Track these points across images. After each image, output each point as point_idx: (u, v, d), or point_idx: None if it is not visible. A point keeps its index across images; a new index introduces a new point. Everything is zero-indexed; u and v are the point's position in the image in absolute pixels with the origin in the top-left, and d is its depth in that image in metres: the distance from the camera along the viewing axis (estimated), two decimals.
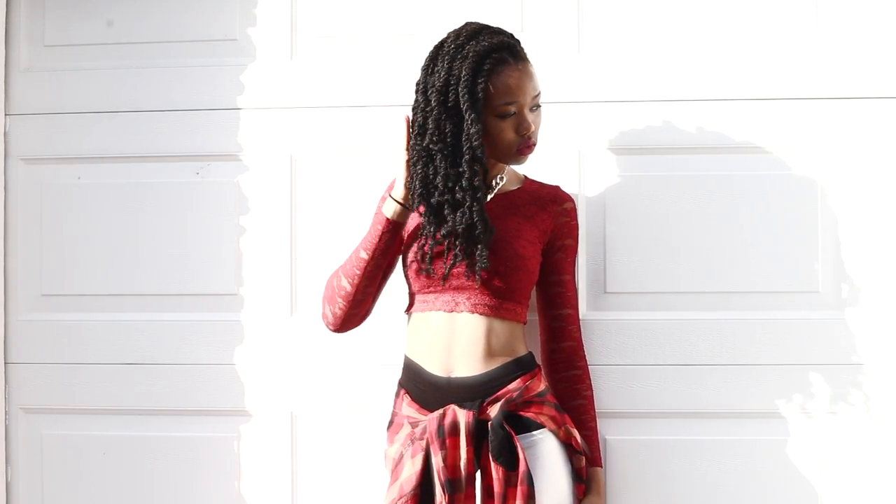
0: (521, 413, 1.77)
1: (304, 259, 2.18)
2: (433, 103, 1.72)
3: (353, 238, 2.13)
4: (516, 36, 1.81)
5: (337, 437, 2.15)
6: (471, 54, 1.72)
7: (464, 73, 1.71)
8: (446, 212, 1.73)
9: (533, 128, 1.79)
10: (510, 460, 1.72)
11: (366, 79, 2.17)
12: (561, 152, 2.11)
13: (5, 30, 2.25)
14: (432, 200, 1.73)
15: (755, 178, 2.10)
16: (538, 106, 1.81)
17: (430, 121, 1.72)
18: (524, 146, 1.79)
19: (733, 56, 2.12)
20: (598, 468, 1.88)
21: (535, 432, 1.77)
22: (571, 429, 1.82)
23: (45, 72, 2.24)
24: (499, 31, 1.78)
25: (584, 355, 1.92)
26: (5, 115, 2.24)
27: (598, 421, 2.05)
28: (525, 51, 1.80)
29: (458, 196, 1.71)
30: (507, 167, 1.89)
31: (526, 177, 1.94)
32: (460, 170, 1.71)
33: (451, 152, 1.72)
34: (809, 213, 2.09)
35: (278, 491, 2.17)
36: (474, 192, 1.72)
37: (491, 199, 1.85)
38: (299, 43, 2.20)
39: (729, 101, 2.10)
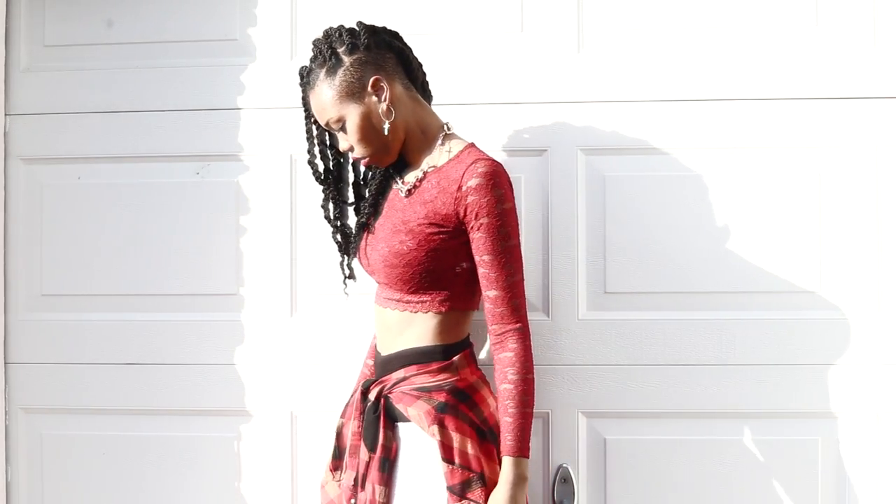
0: (394, 402, 1.78)
1: (304, 259, 2.18)
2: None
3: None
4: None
5: None
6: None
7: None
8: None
9: (341, 145, 1.81)
10: (374, 443, 1.75)
11: None
12: (560, 152, 2.11)
13: (5, 30, 2.25)
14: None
15: (755, 177, 2.10)
16: (336, 127, 1.79)
17: None
18: (356, 160, 1.85)
19: (733, 56, 2.12)
20: (508, 457, 1.71)
21: (399, 424, 1.77)
22: (445, 432, 1.72)
23: (45, 72, 2.24)
24: (309, 60, 1.83)
25: (520, 339, 1.73)
26: (5, 115, 2.24)
27: (598, 421, 2.06)
28: (319, 70, 1.79)
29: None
30: (441, 150, 1.80)
31: (459, 153, 1.78)
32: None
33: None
34: (810, 213, 2.09)
35: (278, 491, 2.17)
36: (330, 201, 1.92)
37: (412, 188, 1.80)
38: (299, 43, 2.20)
39: (729, 101, 2.10)
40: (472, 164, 1.72)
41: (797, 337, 2.07)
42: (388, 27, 1.85)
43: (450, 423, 1.72)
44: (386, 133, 1.76)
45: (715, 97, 2.10)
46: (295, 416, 2.18)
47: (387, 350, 1.83)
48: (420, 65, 1.87)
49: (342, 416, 1.92)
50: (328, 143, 1.90)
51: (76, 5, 2.24)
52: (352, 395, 1.92)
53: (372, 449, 1.75)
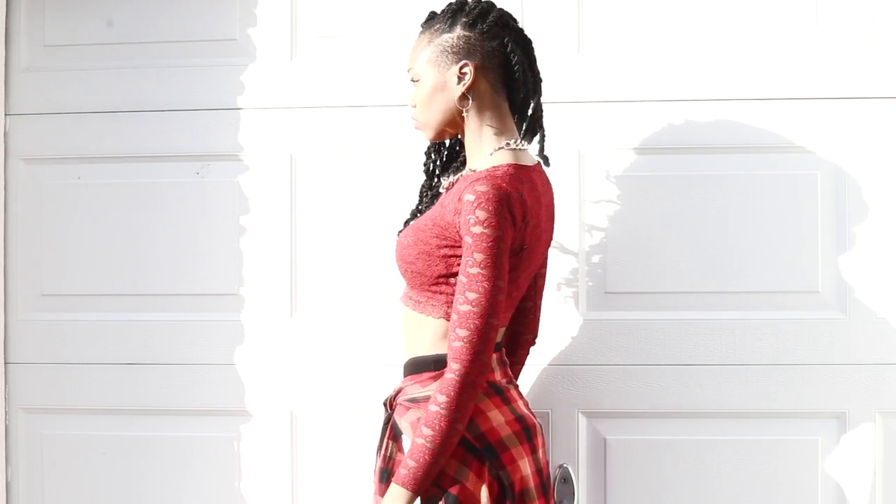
0: (395, 415, 1.73)
1: (304, 259, 2.18)
2: None
3: (352, 239, 2.15)
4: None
5: (337, 437, 2.15)
6: None
7: None
8: None
9: (410, 100, 1.77)
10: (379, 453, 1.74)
11: (366, 79, 2.17)
12: (561, 152, 2.11)
13: (5, 30, 2.25)
14: None
15: (755, 178, 2.10)
16: (414, 81, 1.76)
17: None
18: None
19: (733, 56, 2.12)
20: (395, 485, 1.59)
21: (403, 436, 1.70)
22: None
23: (45, 72, 2.24)
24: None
25: (451, 368, 1.58)
26: (5, 115, 2.24)
27: (598, 421, 2.06)
28: (436, 23, 1.74)
29: None
30: (484, 157, 1.73)
31: (489, 167, 1.69)
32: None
33: None
34: (809, 213, 2.09)
35: (278, 491, 2.17)
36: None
37: (444, 190, 1.80)
38: (299, 43, 2.20)
39: (729, 101, 2.10)
40: (478, 179, 1.62)
41: (797, 337, 2.07)
42: (524, 33, 1.76)
43: None
44: (464, 115, 1.73)
45: (715, 97, 2.10)
46: (295, 416, 2.18)
47: (404, 358, 1.80)
48: (528, 84, 1.76)
49: None
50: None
51: (76, 5, 2.24)
52: None
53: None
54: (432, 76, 1.72)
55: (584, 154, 2.12)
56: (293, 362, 2.17)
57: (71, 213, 2.23)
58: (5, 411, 2.24)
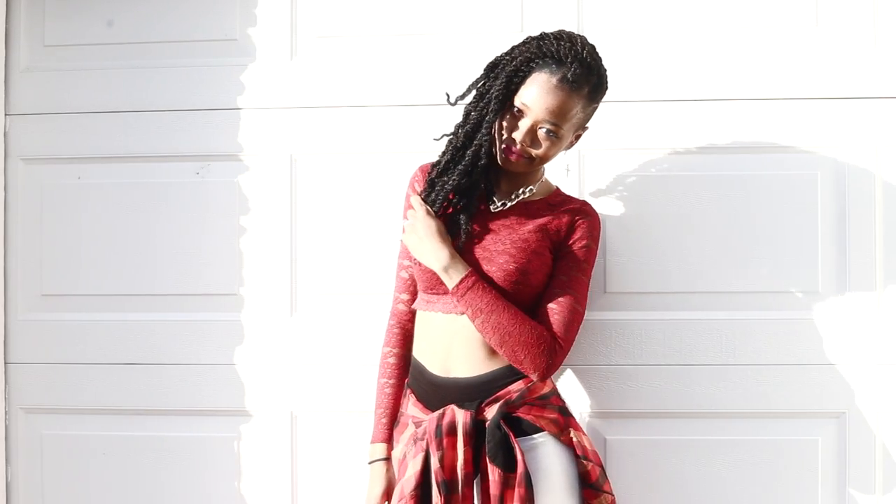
0: (521, 415, 1.75)
1: (304, 259, 2.18)
2: (472, 91, 1.82)
3: (352, 239, 2.15)
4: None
5: (337, 437, 2.15)
6: (524, 53, 1.75)
7: (508, 68, 1.75)
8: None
9: (521, 136, 1.74)
10: (507, 462, 1.69)
11: (366, 79, 2.17)
12: (561, 152, 2.10)
13: (5, 30, 2.25)
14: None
15: (755, 178, 2.10)
16: (553, 133, 1.73)
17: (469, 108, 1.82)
18: (507, 148, 1.76)
19: (734, 56, 2.12)
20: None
21: (534, 436, 1.74)
22: (577, 433, 1.78)
23: (45, 72, 2.24)
24: (574, 53, 1.72)
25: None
26: (5, 115, 2.24)
27: (598, 421, 2.07)
28: (586, 85, 1.72)
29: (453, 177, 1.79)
30: (540, 181, 1.87)
31: (557, 188, 1.92)
32: (465, 159, 1.78)
33: (464, 142, 1.79)
34: (809, 213, 2.09)
35: (278, 491, 2.17)
36: (462, 175, 1.77)
37: (510, 207, 1.83)
38: (299, 43, 2.20)
39: (729, 102, 2.10)
40: (581, 202, 1.91)
41: (797, 337, 2.07)
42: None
43: (572, 423, 1.82)
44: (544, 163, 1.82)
45: (715, 97, 2.10)
46: (295, 416, 2.18)
47: (468, 362, 1.80)
48: None
49: (412, 454, 1.78)
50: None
51: (76, 5, 2.24)
52: (420, 431, 1.79)
53: (509, 468, 1.69)
54: (566, 139, 1.79)
55: (584, 154, 2.12)
56: (293, 362, 2.17)
57: (71, 213, 2.23)
58: (5, 411, 2.24)
